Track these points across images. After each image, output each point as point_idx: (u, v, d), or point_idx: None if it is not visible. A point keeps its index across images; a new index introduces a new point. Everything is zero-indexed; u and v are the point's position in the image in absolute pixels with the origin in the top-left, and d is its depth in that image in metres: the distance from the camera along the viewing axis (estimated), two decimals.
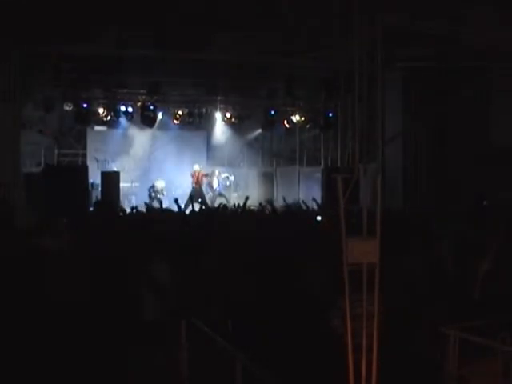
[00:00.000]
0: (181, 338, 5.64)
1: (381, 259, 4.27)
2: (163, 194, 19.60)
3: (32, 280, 5.85)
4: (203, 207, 12.19)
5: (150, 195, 19.40)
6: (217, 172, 21.14)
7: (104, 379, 5.47)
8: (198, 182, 19.99)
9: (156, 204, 17.28)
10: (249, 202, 11.30)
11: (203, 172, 20.47)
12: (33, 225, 8.47)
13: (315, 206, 11.88)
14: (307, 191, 19.94)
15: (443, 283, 6.00)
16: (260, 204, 10.91)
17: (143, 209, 11.35)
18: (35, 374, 5.29)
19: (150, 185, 19.83)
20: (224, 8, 11.78)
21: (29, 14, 11.88)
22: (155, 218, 9.21)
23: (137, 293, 6.08)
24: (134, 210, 10.59)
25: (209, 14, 12.21)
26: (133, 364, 5.62)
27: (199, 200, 17.62)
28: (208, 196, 20.12)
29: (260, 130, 22.04)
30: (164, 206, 11.53)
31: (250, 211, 10.80)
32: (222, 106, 20.29)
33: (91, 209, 16.08)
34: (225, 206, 11.51)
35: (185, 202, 18.97)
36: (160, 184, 19.88)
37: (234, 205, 11.37)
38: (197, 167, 20.37)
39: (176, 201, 10.89)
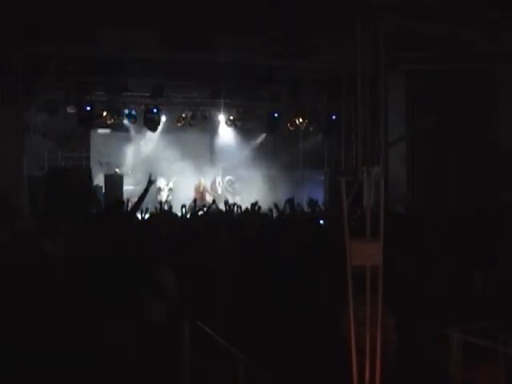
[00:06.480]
0: (183, 339, 5.64)
1: (384, 261, 4.26)
2: (170, 190, 19.72)
3: (33, 283, 5.84)
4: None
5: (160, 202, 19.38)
6: (219, 175, 21.28)
7: (104, 380, 5.47)
8: (201, 197, 20.06)
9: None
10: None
11: (207, 187, 20.68)
12: (35, 228, 8.47)
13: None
14: (311, 194, 19.93)
15: (446, 285, 5.98)
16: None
17: None
18: (33, 375, 5.29)
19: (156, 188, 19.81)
20: (227, 10, 11.79)
21: (31, 15, 11.91)
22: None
23: (139, 294, 6.07)
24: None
25: (212, 16, 12.23)
26: (134, 365, 5.61)
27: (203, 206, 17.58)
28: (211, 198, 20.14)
29: (264, 135, 22.05)
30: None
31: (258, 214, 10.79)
32: (225, 108, 20.30)
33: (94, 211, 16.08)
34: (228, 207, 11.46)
35: (187, 206, 19.01)
36: (161, 184, 19.90)
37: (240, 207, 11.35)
38: (202, 181, 20.56)
39: (183, 207, 10.91)
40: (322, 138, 21.48)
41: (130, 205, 8.49)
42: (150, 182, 8.57)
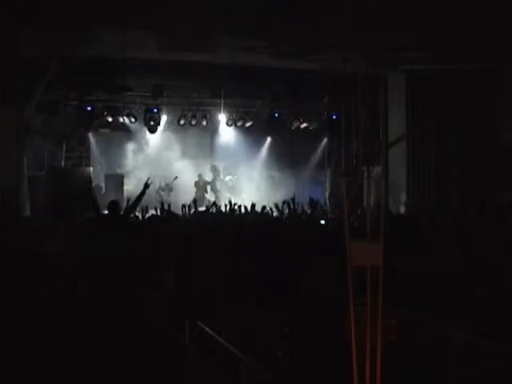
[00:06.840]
0: (183, 339, 5.64)
1: (385, 261, 4.26)
2: (170, 190, 19.79)
3: (33, 283, 5.85)
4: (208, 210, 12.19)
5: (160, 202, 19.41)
6: (220, 175, 21.30)
7: (105, 380, 5.47)
8: (201, 195, 20.15)
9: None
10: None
11: (207, 180, 20.82)
12: (35, 228, 8.48)
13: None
14: (311, 194, 19.93)
15: (445, 284, 5.99)
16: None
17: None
18: (33, 374, 5.29)
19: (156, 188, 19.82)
20: (227, 11, 11.79)
21: (32, 15, 11.91)
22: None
23: (139, 294, 6.08)
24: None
25: (212, 17, 12.23)
26: (135, 365, 5.62)
27: (205, 205, 17.61)
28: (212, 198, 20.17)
29: (269, 139, 22.05)
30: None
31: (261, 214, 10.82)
32: (225, 108, 20.29)
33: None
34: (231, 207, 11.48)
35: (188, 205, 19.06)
36: (161, 184, 20.00)
37: (240, 207, 11.39)
38: (200, 177, 20.65)
39: (183, 207, 10.99)
40: (323, 137, 21.49)
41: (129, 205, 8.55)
42: (147, 186, 8.74)
